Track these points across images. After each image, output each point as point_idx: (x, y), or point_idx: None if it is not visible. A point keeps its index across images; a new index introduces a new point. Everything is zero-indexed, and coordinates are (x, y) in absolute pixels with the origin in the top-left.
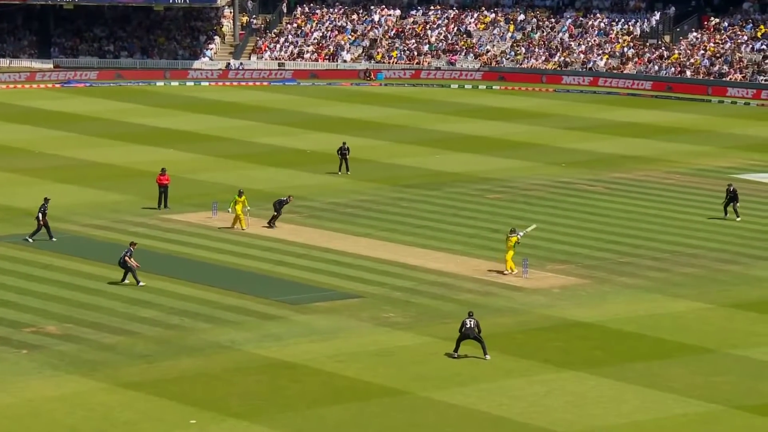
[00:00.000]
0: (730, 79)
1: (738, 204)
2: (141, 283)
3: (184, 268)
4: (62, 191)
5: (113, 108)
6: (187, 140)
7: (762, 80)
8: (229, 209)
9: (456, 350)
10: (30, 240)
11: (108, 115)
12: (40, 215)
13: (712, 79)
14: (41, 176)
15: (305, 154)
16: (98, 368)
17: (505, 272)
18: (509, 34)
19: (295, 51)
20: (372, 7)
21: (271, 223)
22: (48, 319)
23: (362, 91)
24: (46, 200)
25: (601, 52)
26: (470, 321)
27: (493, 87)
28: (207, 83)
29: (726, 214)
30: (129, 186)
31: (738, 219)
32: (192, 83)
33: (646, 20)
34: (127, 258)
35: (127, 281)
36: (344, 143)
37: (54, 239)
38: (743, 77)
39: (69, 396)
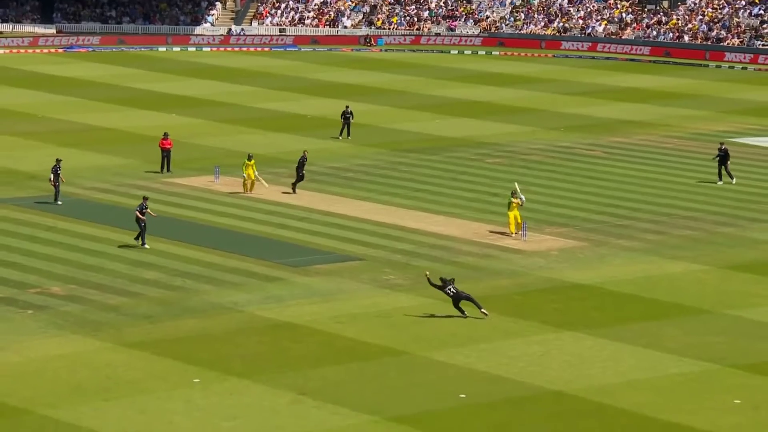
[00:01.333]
0: (728, 44)
1: (729, 162)
2: (146, 246)
3: (187, 230)
4: (65, 155)
5: (115, 73)
6: (189, 105)
7: (759, 45)
8: (245, 175)
9: (462, 311)
10: (59, 202)
11: (110, 80)
12: (52, 176)
13: (709, 44)
14: (44, 140)
15: (306, 119)
16: (102, 328)
17: (512, 235)
18: (508, 0)
19: (296, 17)
20: None
21: (293, 187)
22: (52, 281)
23: (362, 56)
24: (58, 161)
25: (599, 17)
26: (452, 288)
27: (493, 52)
28: (208, 49)
29: (720, 178)
30: (132, 150)
31: (733, 182)
32: (194, 49)
33: None
34: (138, 213)
35: (139, 242)
36: (347, 107)
37: (59, 203)
38: (741, 42)
39: (73, 355)
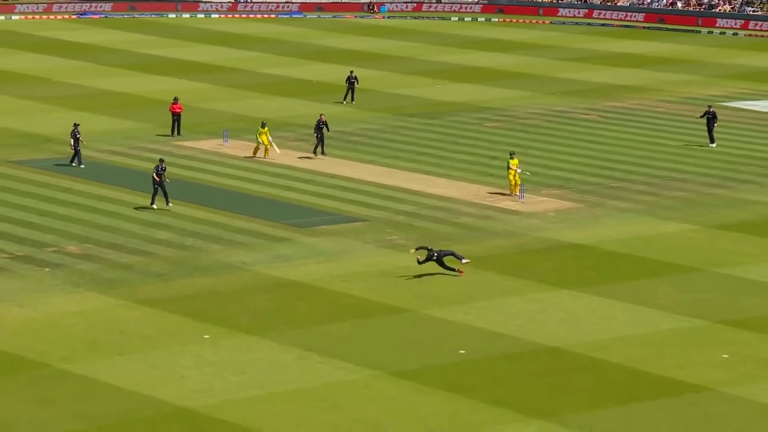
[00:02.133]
0: (720, 10)
1: (715, 125)
2: (154, 206)
3: (197, 192)
4: (79, 119)
5: (127, 39)
6: (198, 70)
7: (750, 11)
8: (258, 141)
9: (452, 269)
10: (81, 165)
11: (122, 46)
12: (72, 141)
13: (702, 10)
14: (59, 104)
15: (311, 84)
16: (116, 286)
17: (512, 195)
18: None
19: None
20: None
21: (315, 151)
22: (69, 240)
23: (366, 23)
24: (76, 125)
25: None
26: (434, 253)
27: (492, 19)
28: (217, 15)
29: (712, 141)
30: (143, 114)
31: (713, 145)
32: (202, 15)
33: None
34: (154, 175)
35: (170, 204)
36: (352, 72)
37: (73, 165)
38: (732, 8)
39: (89, 311)
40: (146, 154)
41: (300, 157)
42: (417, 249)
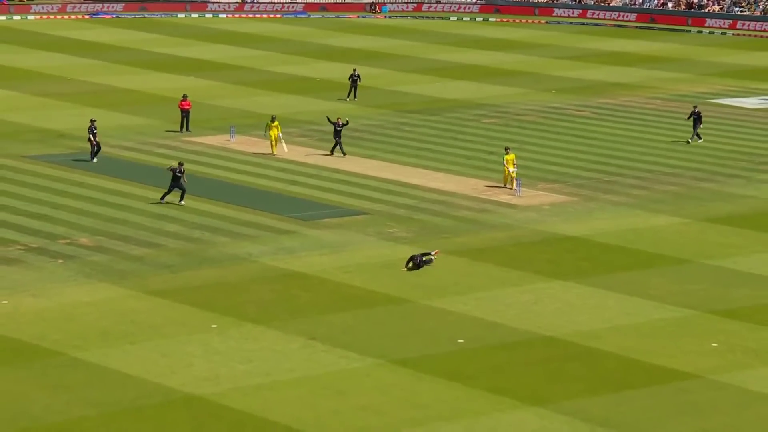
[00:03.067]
0: (709, 10)
1: (701, 126)
2: (163, 201)
3: (204, 186)
4: (92, 115)
5: (138, 38)
6: (206, 68)
7: (738, 11)
8: (267, 134)
9: (429, 261)
10: (94, 160)
11: (133, 45)
12: (92, 136)
13: (692, 10)
14: (72, 101)
15: (315, 82)
16: (127, 277)
17: (507, 185)
18: None
19: None
20: None
21: (342, 152)
22: (81, 232)
23: (368, 23)
24: (93, 121)
25: None
26: (419, 259)
27: (489, 19)
28: (224, 15)
29: (699, 138)
30: (153, 110)
31: (700, 140)
32: (210, 15)
33: None
34: (173, 174)
35: (183, 202)
36: (354, 70)
37: (94, 160)
38: (721, 8)
39: (100, 302)
40: (156, 150)
41: (306, 155)
42: (407, 266)
